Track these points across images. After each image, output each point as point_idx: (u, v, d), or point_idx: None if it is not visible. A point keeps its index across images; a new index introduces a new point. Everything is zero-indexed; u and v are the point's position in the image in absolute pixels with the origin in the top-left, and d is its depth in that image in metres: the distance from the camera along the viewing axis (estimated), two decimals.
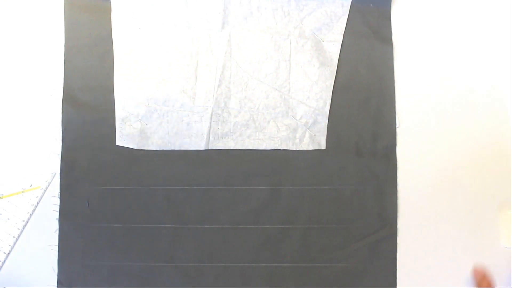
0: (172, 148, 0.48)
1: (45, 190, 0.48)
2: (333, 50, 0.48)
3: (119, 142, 0.48)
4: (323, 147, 0.48)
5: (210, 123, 0.48)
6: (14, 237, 0.47)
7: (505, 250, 0.47)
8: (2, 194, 0.48)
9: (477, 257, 0.47)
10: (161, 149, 0.48)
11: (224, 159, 0.48)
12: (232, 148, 0.48)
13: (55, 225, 0.47)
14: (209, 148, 0.48)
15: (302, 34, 0.48)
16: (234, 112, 0.48)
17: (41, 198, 0.48)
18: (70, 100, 0.48)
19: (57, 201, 0.48)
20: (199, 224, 0.47)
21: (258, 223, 0.47)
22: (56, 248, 0.47)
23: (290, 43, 0.48)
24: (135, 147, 0.48)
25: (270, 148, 0.48)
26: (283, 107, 0.48)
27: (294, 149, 0.48)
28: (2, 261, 0.47)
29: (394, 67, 0.48)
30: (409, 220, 0.47)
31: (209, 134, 0.48)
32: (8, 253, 0.47)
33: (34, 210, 0.48)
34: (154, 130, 0.48)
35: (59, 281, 0.47)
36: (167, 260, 0.47)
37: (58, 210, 0.47)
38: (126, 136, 0.48)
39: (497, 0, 0.49)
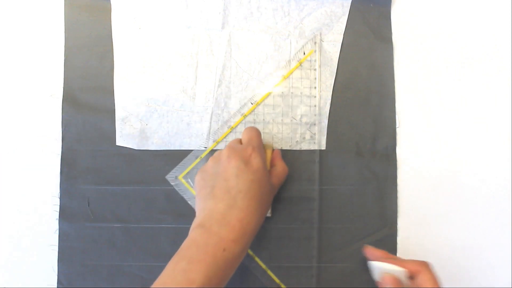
0: (172, 148, 0.48)
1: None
2: (333, 50, 0.48)
3: (119, 142, 0.48)
4: (323, 147, 0.48)
5: (210, 123, 0.48)
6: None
7: (505, 250, 0.47)
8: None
9: (477, 257, 0.47)
10: (161, 149, 0.48)
11: None
12: None
13: (55, 225, 0.48)
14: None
15: (302, 34, 0.48)
16: (234, 112, 0.48)
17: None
18: (70, 100, 0.48)
19: (57, 201, 0.48)
20: None
21: None
22: (56, 248, 0.47)
23: (290, 43, 0.48)
24: (135, 147, 0.48)
25: None
26: (283, 107, 0.48)
27: (294, 149, 0.48)
28: None
29: (394, 67, 0.48)
30: (409, 220, 0.47)
31: (209, 134, 0.48)
32: None
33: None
34: (154, 130, 0.48)
35: (59, 281, 0.47)
36: (167, 260, 0.47)
37: (58, 210, 0.48)
38: (126, 136, 0.48)
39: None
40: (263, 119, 0.48)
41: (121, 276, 0.47)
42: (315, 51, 0.48)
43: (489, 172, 0.48)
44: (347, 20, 0.48)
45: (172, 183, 0.47)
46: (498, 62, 0.48)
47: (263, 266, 0.47)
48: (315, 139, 0.48)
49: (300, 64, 0.48)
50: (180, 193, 0.47)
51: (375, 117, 0.48)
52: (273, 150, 0.46)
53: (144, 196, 0.47)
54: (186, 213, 0.47)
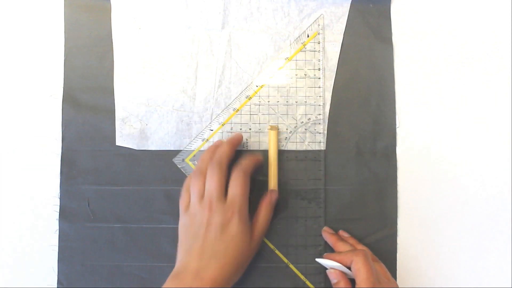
0: (172, 148, 0.48)
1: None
2: (333, 50, 0.48)
3: (119, 142, 0.48)
4: (323, 147, 0.48)
5: (210, 123, 0.48)
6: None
7: (505, 250, 0.47)
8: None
9: (477, 257, 0.47)
10: (161, 149, 0.48)
11: None
12: None
13: (55, 225, 0.48)
14: None
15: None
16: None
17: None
18: (70, 100, 0.48)
19: (57, 201, 0.48)
20: None
21: None
22: (56, 248, 0.47)
23: (290, 43, 0.48)
24: (135, 147, 0.48)
25: None
26: (283, 107, 0.48)
27: (294, 149, 0.48)
28: None
29: (394, 67, 0.48)
30: (409, 220, 0.47)
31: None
32: None
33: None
34: (154, 130, 0.48)
35: (59, 281, 0.47)
36: (167, 260, 0.47)
37: (58, 210, 0.48)
38: (126, 136, 0.48)
39: None
40: (268, 102, 0.48)
41: (121, 276, 0.47)
42: (319, 33, 0.48)
43: (489, 172, 0.48)
44: (347, 20, 0.49)
45: (179, 166, 0.47)
46: (498, 61, 0.48)
47: (271, 246, 0.47)
48: (315, 139, 0.48)
49: (304, 46, 0.48)
50: (187, 175, 0.47)
51: (375, 117, 0.48)
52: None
53: (144, 196, 0.48)
54: None
